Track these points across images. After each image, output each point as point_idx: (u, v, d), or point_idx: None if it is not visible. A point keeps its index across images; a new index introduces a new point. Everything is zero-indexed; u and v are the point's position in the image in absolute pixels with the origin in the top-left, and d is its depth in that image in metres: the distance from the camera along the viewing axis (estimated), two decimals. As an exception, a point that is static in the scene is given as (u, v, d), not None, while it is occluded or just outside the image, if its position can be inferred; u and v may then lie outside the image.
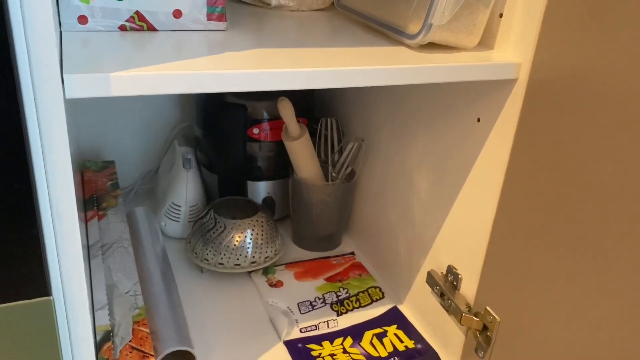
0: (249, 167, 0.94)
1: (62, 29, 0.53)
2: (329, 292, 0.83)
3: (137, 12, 0.55)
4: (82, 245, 0.46)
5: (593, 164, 0.50)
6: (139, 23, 0.55)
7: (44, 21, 0.38)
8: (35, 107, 0.40)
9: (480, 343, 0.66)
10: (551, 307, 0.55)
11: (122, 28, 0.55)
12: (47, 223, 0.43)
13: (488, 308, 0.64)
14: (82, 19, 0.53)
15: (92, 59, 0.45)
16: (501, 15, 0.59)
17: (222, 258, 0.83)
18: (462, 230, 0.69)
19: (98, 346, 0.55)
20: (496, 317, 0.63)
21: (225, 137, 0.92)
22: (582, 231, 0.51)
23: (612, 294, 0.49)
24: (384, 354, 0.73)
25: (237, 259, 0.83)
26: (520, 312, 0.60)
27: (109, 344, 0.56)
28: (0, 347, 0.45)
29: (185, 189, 0.92)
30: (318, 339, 0.74)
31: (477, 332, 0.66)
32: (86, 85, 0.41)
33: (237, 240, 0.83)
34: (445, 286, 0.71)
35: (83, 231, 0.62)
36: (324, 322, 0.77)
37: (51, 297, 0.45)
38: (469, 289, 0.68)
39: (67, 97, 0.41)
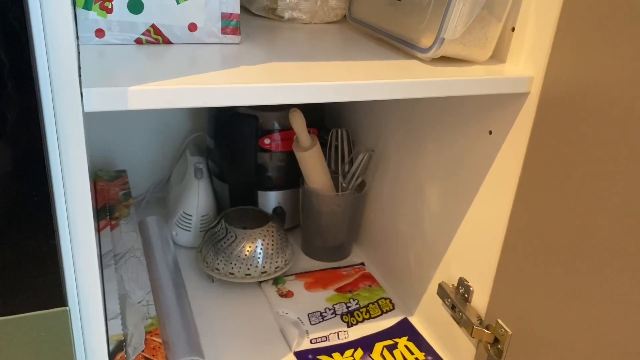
0: (260, 177, 0.95)
1: (78, 42, 0.54)
2: (339, 302, 0.83)
3: (153, 26, 0.55)
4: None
5: (606, 177, 0.50)
6: (155, 36, 0.56)
7: (64, 37, 0.38)
8: (54, 121, 0.40)
9: (492, 356, 0.65)
10: (563, 321, 0.55)
11: (138, 41, 0.56)
12: (64, 234, 0.43)
13: (499, 321, 0.64)
14: (99, 33, 0.54)
15: (110, 73, 0.46)
16: (513, 29, 0.59)
17: (232, 268, 0.83)
18: (473, 243, 0.69)
19: (111, 356, 0.56)
20: (508, 330, 0.63)
21: (237, 147, 0.93)
22: (594, 244, 0.51)
23: (626, 308, 0.49)
24: (394, 365, 0.73)
25: (248, 269, 0.83)
26: (532, 325, 0.60)
27: (121, 353, 0.56)
28: (16, 356, 0.45)
29: (197, 199, 0.92)
30: (329, 350, 0.74)
31: (488, 345, 0.66)
32: (104, 99, 0.42)
33: (247, 250, 0.83)
34: (457, 298, 0.71)
35: (96, 241, 0.62)
36: (335, 333, 0.77)
37: (67, 308, 0.45)
38: (480, 301, 0.68)
39: (86, 110, 0.41)
